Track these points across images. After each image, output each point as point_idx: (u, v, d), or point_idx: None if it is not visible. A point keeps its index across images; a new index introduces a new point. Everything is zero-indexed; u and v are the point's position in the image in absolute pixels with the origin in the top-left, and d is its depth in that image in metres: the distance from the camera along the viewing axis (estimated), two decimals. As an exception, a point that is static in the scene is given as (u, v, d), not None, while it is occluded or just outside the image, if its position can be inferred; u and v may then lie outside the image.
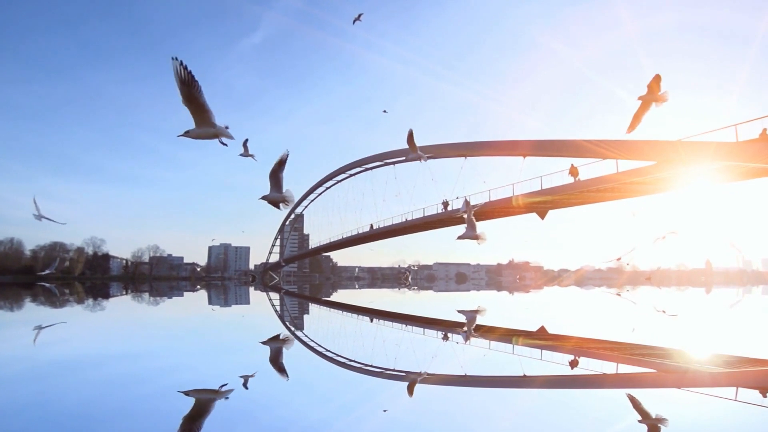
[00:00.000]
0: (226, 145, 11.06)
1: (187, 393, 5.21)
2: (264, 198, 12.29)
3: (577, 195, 38.13)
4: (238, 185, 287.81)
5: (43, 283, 62.60)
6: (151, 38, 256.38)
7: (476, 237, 20.13)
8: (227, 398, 4.98)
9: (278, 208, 12.88)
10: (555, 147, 34.11)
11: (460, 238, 20.52)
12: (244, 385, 5.55)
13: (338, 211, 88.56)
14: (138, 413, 4.55)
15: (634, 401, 4.74)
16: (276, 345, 8.86)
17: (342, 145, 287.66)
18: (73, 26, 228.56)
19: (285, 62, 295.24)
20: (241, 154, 13.52)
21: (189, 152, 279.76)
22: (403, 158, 56.51)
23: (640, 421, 4.28)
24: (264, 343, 9.07)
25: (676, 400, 5.06)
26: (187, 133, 10.87)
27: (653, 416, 4.41)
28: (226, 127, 11.06)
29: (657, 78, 14.40)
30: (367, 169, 71.54)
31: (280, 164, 12.19)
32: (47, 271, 68.03)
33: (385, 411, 4.60)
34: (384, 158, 62.02)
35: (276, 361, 7.12)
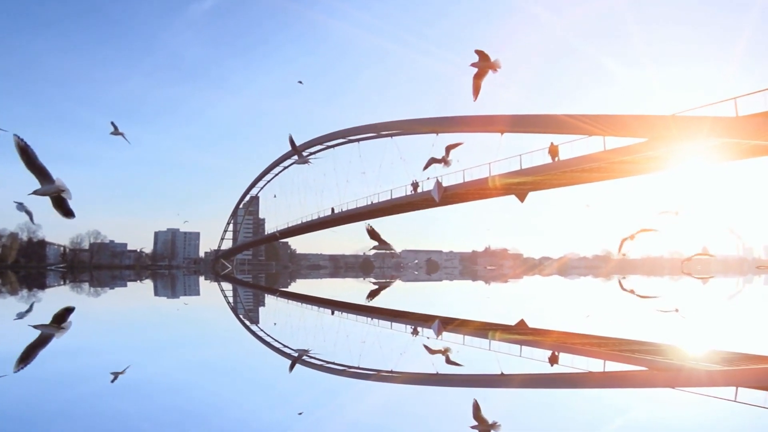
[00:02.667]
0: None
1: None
2: (36, 193, 12.07)
3: (560, 175, 38.22)
4: (188, 164, 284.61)
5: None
6: (91, 3, 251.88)
7: (389, 248, 21.37)
8: None
9: (59, 207, 12.69)
10: (535, 122, 33.98)
11: (375, 248, 21.86)
12: (113, 381, 5.51)
13: (297, 193, 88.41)
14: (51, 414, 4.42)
15: (476, 407, 4.66)
16: (47, 331, 8.83)
17: (301, 121, 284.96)
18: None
19: (238, 29, 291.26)
20: (111, 133, 13.47)
21: (132, 128, 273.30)
22: (371, 135, 56.36)
23: (473, 427, 4.24)
24: (36, 327, 9.00)
25: (670, 401, 5.03)
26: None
27: (489, 422, 4.36)
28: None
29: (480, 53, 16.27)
30: (328, 147, 71.35)
31: (24, 153, 11.73)
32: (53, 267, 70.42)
33: (300, 414, 4.49)
34: (347, 135, 61.59)
35: (33, 349, 7.12)
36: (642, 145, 30.46)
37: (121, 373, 5.96)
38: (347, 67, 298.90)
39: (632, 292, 20.35)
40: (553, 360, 6.92)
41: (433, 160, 35.56)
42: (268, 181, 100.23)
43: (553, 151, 36.97)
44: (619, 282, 35.88)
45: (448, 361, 6.21)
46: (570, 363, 6.74)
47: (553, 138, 36.26)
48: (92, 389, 5.35)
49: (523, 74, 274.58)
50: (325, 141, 69.60)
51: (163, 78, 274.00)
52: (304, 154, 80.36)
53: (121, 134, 17.04)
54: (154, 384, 5.63)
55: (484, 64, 17.79)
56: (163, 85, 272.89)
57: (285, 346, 8.21)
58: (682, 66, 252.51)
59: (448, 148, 32.95)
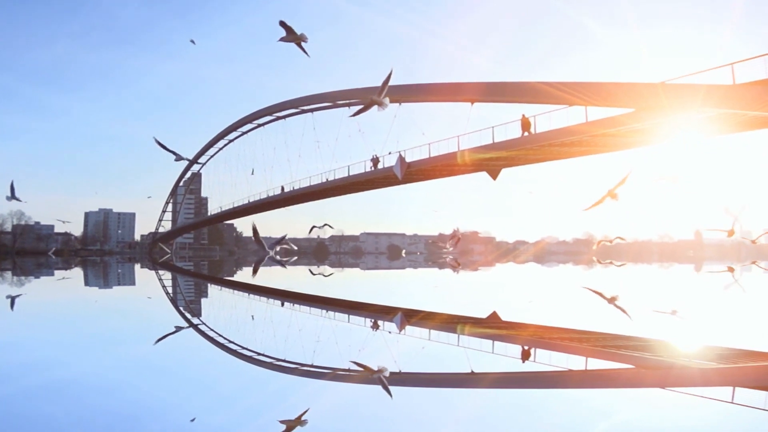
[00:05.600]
0: None
1: None
2: None
3: (537, 150, 38.06)
4: (122, 136, 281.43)
5: None
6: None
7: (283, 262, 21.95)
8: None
9: None
10: (509, 91, 33.84)
11: (258, 263, 22.54)
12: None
13: (244, 169, 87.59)
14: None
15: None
16: None
17: (248, 89, 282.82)
18: None
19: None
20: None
21: (60, 96, 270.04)
22: (326, 104, 55.94)
23: (281, 421, 4.28)
24: None
25: (660, 403, 5.04)
26: None
27: (301, 420, 4.36)
28: None
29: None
30: (278, 118, 70.79)
31: None
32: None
33: (192, 420, 4.41)
34: (300, 104, 61.17)
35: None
36: (628, 117, 30.40)
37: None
38: (299, 29, 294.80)
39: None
40: (528, 356, 6.92)
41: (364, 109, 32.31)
42: (212, 156, 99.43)
43: (525, 123, 36.60)
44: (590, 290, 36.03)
45: (384, 386, 5.96)
46: (548, 360, 6.75)
47: (528, 109, 36.15)
48: (14, 390, 5.27)
49: (496, 37, 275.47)
50: (274, 111, 69.14)
51: (93, 40, 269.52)
52: (247, 128, 79.97)
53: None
54: (83, 385, 5.55)
55: (291, 38, 19.60)
56: (93, 49, 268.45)
57: (230, 341, 8.13)
58: (672, 28, 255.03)
59: (383, 87, 30.35)
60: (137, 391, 5.28)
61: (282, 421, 4.24)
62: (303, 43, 21.15)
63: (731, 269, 31.42)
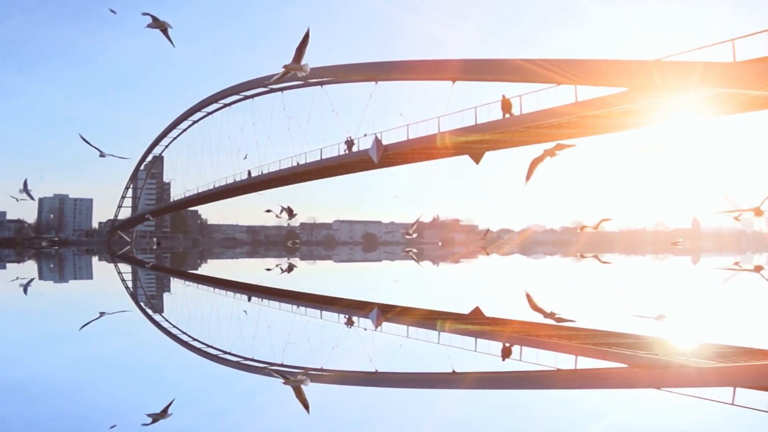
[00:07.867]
0: None
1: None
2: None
3: (523, 132, 37.84)
4: (79, 117, 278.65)
5: None
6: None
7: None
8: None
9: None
10: (492, 69, 33.59)
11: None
12: None
13: (209, 153, 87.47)
14: None
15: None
16: None
17: (214, 68, 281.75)
18: None
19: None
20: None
21: (13, 75, 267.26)
22: (297, 83, 55.59)
23: (148, 415, 4.31)
24: None
25: (655, 404, 5.03)
26: None
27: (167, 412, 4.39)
28: None
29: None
30: (246, 98, 70.45)
31: None
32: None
33: (112, 427, 4.30)
34: (268, 83, 60.82)
35: None
36: (620, 97, 30.24)
37: None
38: (268, 2, 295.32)
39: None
40: (509, 354, 6.90)
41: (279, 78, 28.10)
42: (174, 138, 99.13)
43: (506, 105, 36.32)
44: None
45: (301, 398, 5.61)
46: (535, 359, 6.73)
47: (514, 89, 35.93)
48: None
49: (479, 12, 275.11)
50: (241, 90, 68.80)
51: (49, 16, 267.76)
52: (212, 108, 79.82)
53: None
54: (40, 385, 5.52)
55: (156, 24, 20.86)
56: (49, 25, 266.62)
57: (194, 339, 8.07)
58: (667, 4, 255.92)
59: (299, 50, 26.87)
60: (96, 392, 5.29)
61: (149, 415, 4.27)
62: (169, 30, 22.27)
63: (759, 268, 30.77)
